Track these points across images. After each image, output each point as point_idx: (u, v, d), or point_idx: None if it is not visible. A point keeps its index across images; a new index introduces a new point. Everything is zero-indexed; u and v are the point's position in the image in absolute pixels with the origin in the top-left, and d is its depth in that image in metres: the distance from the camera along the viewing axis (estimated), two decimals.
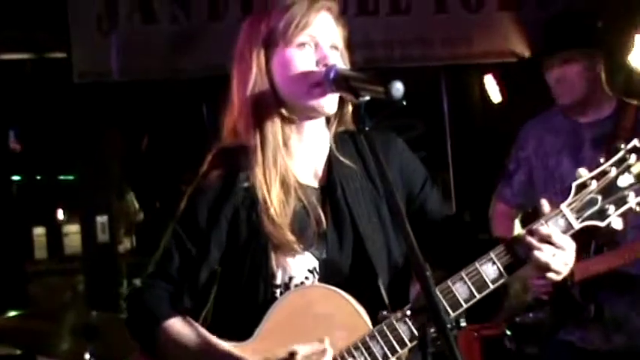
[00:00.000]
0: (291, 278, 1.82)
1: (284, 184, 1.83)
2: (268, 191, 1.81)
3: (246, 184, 1.83)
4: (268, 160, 1.82)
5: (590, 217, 1.84)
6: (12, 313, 3.25)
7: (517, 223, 3.30)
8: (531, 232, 1.80)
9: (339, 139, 1.93)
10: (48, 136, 6.53)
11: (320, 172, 1.91)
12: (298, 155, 1.89)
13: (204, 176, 1.86)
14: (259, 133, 1.84)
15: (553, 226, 1.81)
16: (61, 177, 7.83)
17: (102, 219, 5.19)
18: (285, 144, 1.86)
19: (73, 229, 7.23)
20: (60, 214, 8.01)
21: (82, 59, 4.99)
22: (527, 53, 5.63)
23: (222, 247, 1.84)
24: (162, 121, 6.87)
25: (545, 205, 1.85)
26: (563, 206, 1.83)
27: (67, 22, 4.95)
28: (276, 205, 1.80)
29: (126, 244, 6.76)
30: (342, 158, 1.90)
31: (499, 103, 6.19)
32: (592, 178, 1.85)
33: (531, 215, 1.90)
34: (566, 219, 1.82)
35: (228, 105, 1.91)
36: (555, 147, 3.24)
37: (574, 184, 1.85)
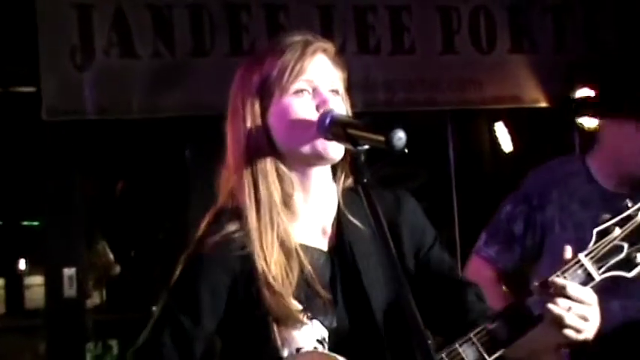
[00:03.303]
0: (298, 350, 1.81)
1: (284, 248, 1.83)
2: (266, 258, 1.80)
3: (243, 252, 1.83)
4: (265, 223, 1.82)
5: (614, 267, 1.82)
6: None
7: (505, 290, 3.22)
8: (544, 284, 1.79)
9: (347, 196, 1.93)
10: (11, 177, 6.53)
11: (328, 232, 1.91)
12: (303, 215, 1.89)
13: (200, 242, 1.85)
14: (254, 193, 1.84)
15: (570, 278, 1.79)
16: (25, 223, 7.80)
17: (69, 271, 5.15)
18: (286, 203, 1.86)
19: (36, 282, 7.19)
20: (22, 265, 7.96)
21: (52, 95, 5.00)
22: (542, 100, 5.69)
23: (219, 318, 1.84)
24: (140, 163, 6.88)
25: (567, 250, 1.84)
26: (582, 255, 1.82)
27: (37, 53, 4.98)
28: (276, 272, 1.80)
29: (95, 298, 6.72)
30: (351, 218, 1.91)
31: (510, 153, 6.22)
32: (615, 224, 1.84)
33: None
34: (586, 269, 1.81)
35: (223, 166, 1.92)
36: (588, 219, 2.99)
37: (595, 231, 1.84)
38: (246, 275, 1.82)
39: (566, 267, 1.81)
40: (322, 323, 1.83)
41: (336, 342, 1.83)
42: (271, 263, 1.80)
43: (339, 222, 1.91)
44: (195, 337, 1.83)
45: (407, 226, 1.94)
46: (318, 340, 1.82)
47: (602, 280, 1.81)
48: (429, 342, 1.60)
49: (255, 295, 1.80)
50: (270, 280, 1.79)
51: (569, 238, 2.91)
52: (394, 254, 1.66)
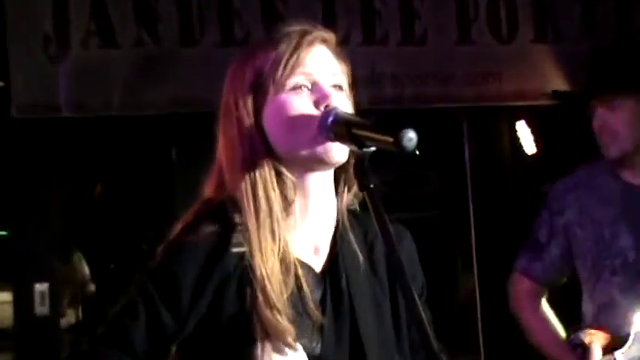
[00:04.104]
0: None
1: (283, 261, 1.81)
2: (266, 268, 1.79)
3: (240, 249, 1.82)
4: (265, 235, 1.80)
5: None
6: None
7: (545, 305, 3.38)
8: None
9: (348, 217, 1.93)
10: None
11: (321, 251, 1.90)
12: (300, 226, 1.88)
13: (193, 229, 1.83)
14: (253, 202, 1.83)
15: None
16: None
17: (41, 287, 5.15)
18: (285, 211, 1.86)
19: (3, 298, 7.19)
20: None
21: (23, 89, 5.01)
22: None
23: (198, 318, 1.82)
24: (121, 166, 6.89)
25: (596, 350, 1.90)
26: (618, 353, 1.96)
27: (5, 43, 4.98)
28: (275, 286, 1.79)
29: (70, 317, 6.72)
30: (351, 240, 1.91)
31: (533, 156, 6.22)
32: None
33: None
34: None
35: (211, 169, 1.92)
36: (607, 216, 3.22)
37: (633, 331, 1.91)
38: (240, 278, 1.80)
39: None
40: (305, 347, 1.82)
41: None
42: (271, 275, 1.79)
43: (335, 243, 1.91)
44: (173, 337, 1.81)
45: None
46: None
47: None
48: None
49: (249, 304, 1.79)
50: (269, 293, 1.78)
51: (588, 237, 3.23)
52: (402, 263, 1.66)
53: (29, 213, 5.20)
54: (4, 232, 6.69)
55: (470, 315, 6.05)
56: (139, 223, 6.83)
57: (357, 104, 1.93)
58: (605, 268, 3.16)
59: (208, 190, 1.91)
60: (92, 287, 6.93)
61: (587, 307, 3.26)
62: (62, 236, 5.78)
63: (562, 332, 3.27)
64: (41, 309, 5.15)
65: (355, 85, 1.95)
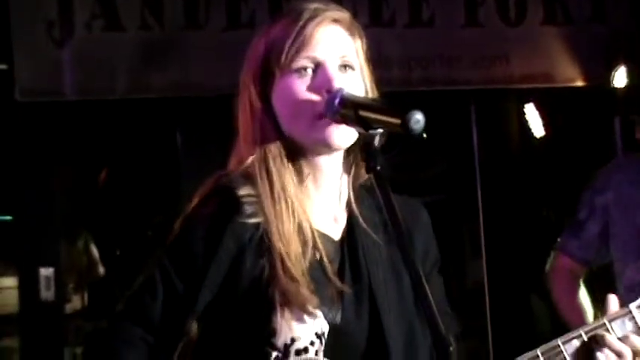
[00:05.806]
0: (293, 340, 1.82)
1: (301, 231, 1.84)
2: (283, 239, 1.82)
3: (255, 220, 1.85)
4: (280, 204, 1.83)
5: None
6: None
7: (581, 286, 3.40)
8: (596, 340, 1.89)
9: (359, 192, 1.95)
10: None
11: (339, 221, 1.93)
12: (316, 195, 1.91)
13: (205, 201, 1.86)
14: (266, 174, 1.86)
15: (619, 329, 1.90)
16: None
17: (46, 272, 5.17)
18: (300, 183, 1.88)
19: (8, 283, 7.22)
20: None
21: (27, 73, 5.01)
22: (577, 79, 5.68)
23: (214, 290, 1.84)
24: (126, 150, 6.89)
25: (613, 301, 1.93)
26: (633, 306, 1.92)
27: (9, 26, 4.99)
28: (293, 256, 1.82)
29: (75, 302, 6.74)
30: (363, 214, 1.93)
31: (542, 139, 6.22)
32: None
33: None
34: (636, 322, 1.92)
35: (235, 140, 1.94)
36: (637, 200, 3.28)
37: None
38: (257, 249, 1.82)
39: (615, 316, 1.92)
40: (325, 316, 1.84)
41: (335, 339, 1.82)
42: (289, 246, 1.81)
43: (351, 215, 1.93)
44: (190, 310, 1.82)
45: (420, 237, 1.97)
46: (316, 334, 1.83)
47: None
48: (451, 348, 1.62)
49: (268, 275, 1.81)
50: (288, 264, 1.80)
51: (621, 220, 3.29)
52: (408, 248, 1.67)
53: (34, 197, 5.21)
54: (8, 217, 6.71)
55: (478, 300, 6.06)
56: (143, 207, 6.84)
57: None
58: (633, 253, 3.20)
59: (232, 162, 1.93)
60: (101, 269, 6.94)
61: (619, 290, 3.30)
62: (67, 221, 5.80)
63: (589, 314, 3.30)
64: (46, 294, 5.17)
65: (368, 63, 1.97)
